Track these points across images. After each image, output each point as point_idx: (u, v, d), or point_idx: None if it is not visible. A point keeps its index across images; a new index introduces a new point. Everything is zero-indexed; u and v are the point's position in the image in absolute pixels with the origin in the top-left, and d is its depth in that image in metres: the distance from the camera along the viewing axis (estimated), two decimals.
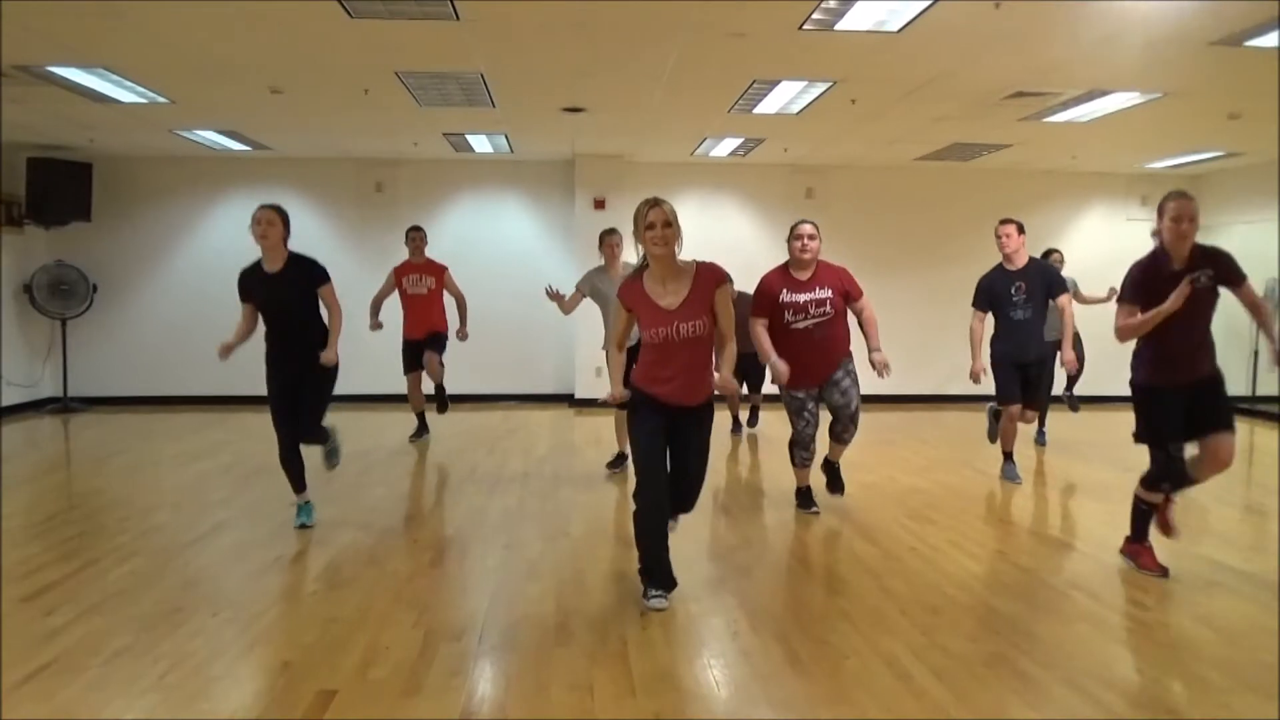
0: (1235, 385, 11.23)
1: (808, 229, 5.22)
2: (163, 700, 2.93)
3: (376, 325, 7.74)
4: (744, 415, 8.74)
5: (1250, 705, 2.96)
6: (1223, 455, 4.15)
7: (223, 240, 10.45)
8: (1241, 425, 10.36)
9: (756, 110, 7.58)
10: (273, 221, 4.79)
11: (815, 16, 5.06)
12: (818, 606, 3.91)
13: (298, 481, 5.05)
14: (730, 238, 10.20)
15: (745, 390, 8.24)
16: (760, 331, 5.13)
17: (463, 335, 7.73)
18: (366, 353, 7.79)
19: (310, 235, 10.57)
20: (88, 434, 8.51)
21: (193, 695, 2.98)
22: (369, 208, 10.56)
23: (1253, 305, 4.22)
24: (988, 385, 6.21)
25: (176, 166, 10.31)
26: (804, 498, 5.56)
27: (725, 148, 9.67)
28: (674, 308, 3.72)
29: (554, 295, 6.55)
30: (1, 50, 5.74)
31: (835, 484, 5.69)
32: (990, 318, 6.23)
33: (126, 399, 10.26)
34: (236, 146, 9.58)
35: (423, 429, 8.07)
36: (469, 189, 10.75)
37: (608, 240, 6.44)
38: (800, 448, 5.38)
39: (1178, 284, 4.00)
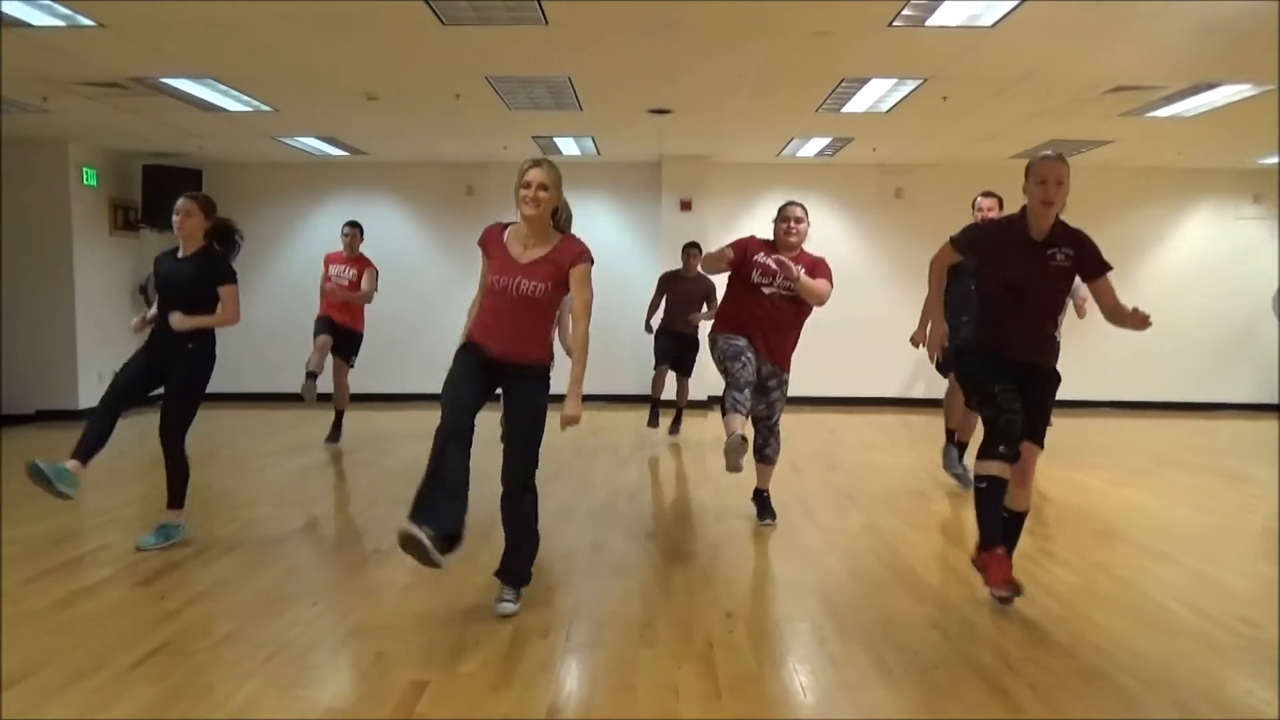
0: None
1: (796, 211, 5.03)
2: (265, 685, 3.05)
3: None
4: (665, 420, 8.39)
5: None
6: (1025, 469, 3.73)
7: (322, 242, 10.79)
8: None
9: (845, 109, 7.49)
10: (190, 212, 4.70)
11: (905, 13, 4.98)
12: (905, 614, 3.84)
13: (86, 447, 4.42)
14: (816, 238, 10.04)
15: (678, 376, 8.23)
16: (723, 251, 5.00)
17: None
18: (417, 353, 7.83)
19: (403, 239, 10.92)
20: (194, 430, 8.88)
21: (292, 681, 3.10)
22: (460, 211, 10.79)
23: (1112, 309, 3.67)
24: None
25: (280, 172, 10.78)
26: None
27: (813, 148, 9.58)
28: (522, 262, 3.68)
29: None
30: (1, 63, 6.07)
31: (766, 512, 5.20)
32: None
33: (225, 395, 10.66)
34: (335, 152, 9.94)
35: (336, 432, 7.89)
36: None
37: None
38: (735, 389, 4.76)
39: (1030, 254, 3.60)
